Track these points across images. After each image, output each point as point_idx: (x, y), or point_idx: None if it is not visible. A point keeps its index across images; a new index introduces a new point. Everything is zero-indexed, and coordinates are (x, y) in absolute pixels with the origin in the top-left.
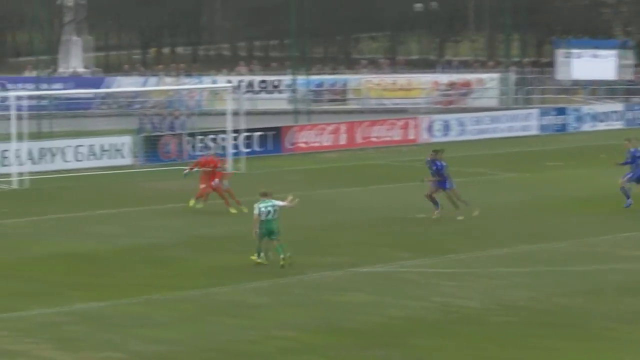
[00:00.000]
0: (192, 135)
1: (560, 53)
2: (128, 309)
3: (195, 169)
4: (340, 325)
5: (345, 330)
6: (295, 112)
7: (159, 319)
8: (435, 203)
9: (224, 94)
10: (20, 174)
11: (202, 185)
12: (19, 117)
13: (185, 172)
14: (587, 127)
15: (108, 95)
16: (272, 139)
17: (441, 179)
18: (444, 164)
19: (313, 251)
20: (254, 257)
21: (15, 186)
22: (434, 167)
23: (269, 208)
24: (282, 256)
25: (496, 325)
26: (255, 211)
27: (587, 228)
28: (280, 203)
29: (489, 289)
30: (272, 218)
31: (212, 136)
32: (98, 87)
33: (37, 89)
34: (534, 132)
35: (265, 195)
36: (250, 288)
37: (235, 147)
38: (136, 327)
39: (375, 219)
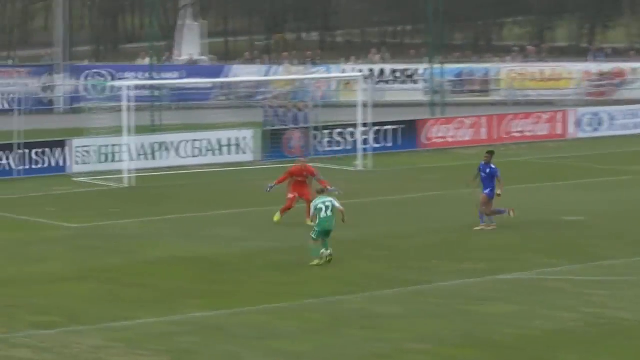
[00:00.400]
0: (318, 129)
1: None
2: (249, 318)
3: (277, 184)
4: (480, 338)
5: (486, 344)
6: (431, 104)
7: (283, 329)
8: (499, 212)
9: (353, 84)
10: (131, 171)
11: (290, 195)
12: (131, 109)
13: (270, 187)
14: None
15: (227, 85)
16: (405, 133)
17: (490, 186)
18: (497, 168)
19: (449, 256)
20: (317, 262)
21: (125, 184)
22: (487, 171)
23: (328, 203)
24: (328, 251)
25: None
26: (312, 209)
27: None
28: (337, 203)
29: (634, 298)
30: (329, 215)
31: (339, 130)
32: (216, 77)
33: (150, 78)
34: None
35: (321, 192)
36: (381, 296)
37: (365, 142)
38: (257, 339)
39: (518, 221)
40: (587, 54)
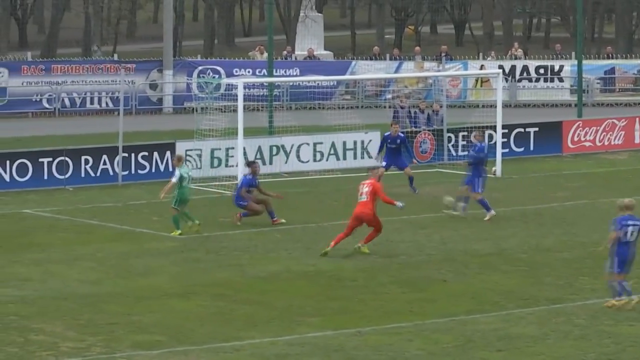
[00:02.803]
0: (453, 131)
1: None
2: (372, 339)
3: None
4: None
5: None
6: (580, 104)
7: (410, 352)
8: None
9: (492, 81)
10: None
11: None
12: (246, 109)
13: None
14: None
15: (353, 82)
16: (549, 136)
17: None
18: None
19: (595, 272)
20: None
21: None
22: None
23: (191, 173)
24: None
25: None
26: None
27: None
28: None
29: None
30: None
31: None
32: (341, 73)
33: (253, 75)
34: None
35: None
36: (518, 316)
37: (505, 146)
38: None
39: None
40: None
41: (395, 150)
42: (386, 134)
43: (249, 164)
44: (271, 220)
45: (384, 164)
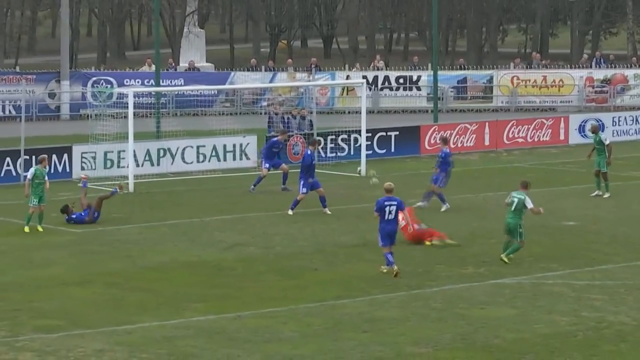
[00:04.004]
0: (322, 135)
1: None
2: (250, 322)
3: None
4: (481, 342)
5: (487, 348)
6: (435, 111)
7: (284, 333)
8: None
9: (357, 90)
10: (136, 177)
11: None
12: (136, 116)
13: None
14: None
15: (232, 91)
16: (408, 139)
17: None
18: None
19: (452, 261)
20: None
21: (129, 190)
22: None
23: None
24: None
25: None
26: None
27: None
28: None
29: (633, 303)
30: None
31: (344, 136)
32: (222, 83)
33: (142, 85)
34: None
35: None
36: (383, 300)
37: (369, 148)
38: (258, 343)
39: None
40: (589, 60)
41: (275, 153)
42: (274, 139)
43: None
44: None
45: (267, 165)
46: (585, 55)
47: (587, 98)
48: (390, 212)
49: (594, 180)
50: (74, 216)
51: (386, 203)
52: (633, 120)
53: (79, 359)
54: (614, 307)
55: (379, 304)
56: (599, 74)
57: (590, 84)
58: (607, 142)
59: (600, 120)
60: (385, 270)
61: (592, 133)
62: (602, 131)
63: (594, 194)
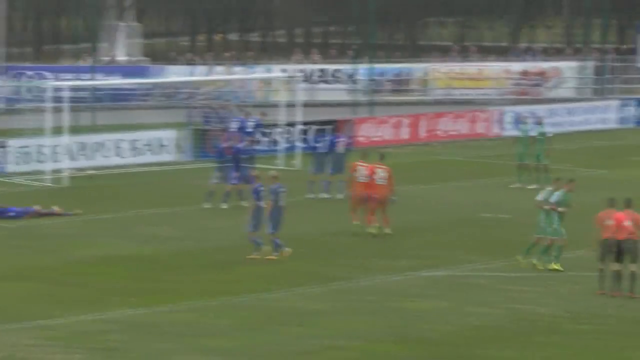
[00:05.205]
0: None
1: None
2: (183, 316)
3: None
4: (412, 335)
5: (418, 340)
6: (355, 104)
7: (216, 326)
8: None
9: (278, 84)
10: (57, 171)
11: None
12: (57, 110)
13: None
14: None
15: (154, 85)
16: (336, 132)
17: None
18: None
19: (383, 254)
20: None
21: (49, 184)
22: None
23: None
24: None
25: (584, 334)
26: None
27: None
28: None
29: (573, 295)
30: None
31: (265, 130)
32: (143, 77)
33: (78, 79)
34: (613, 125)
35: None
36: (315, 294)
37: (290, 141)
38: (190, 336)
39: (452, 219)
40: (512, 53)
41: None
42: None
43: None
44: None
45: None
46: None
47: (521, 91)
48: (280, 199)
49: (517, 171)
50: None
51: (279, 190)
52: (568, 112)
53: (11, 354)
54: (545, 299)
55: (312, 297)
56: (533, 67)
57: (523, 77)
58: (549, 134)
59: (533, 114)
60: (276, 257)
61: (537, 124)
62: (540, 124)
63: (532, 187)
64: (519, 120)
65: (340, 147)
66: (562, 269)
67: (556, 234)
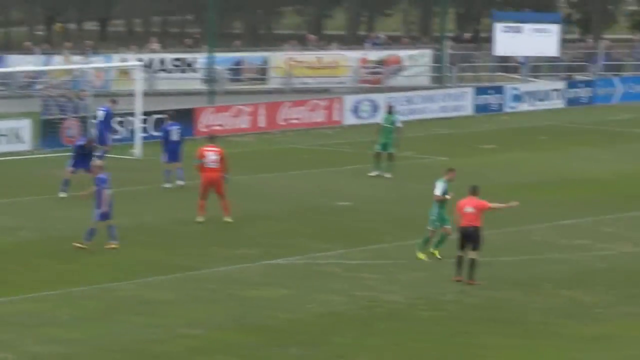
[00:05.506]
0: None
1: (499, 27)
2: (24, 306)
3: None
4: (254, 322)
5: (260, 328)
6: (211, 93)
7: (60, 317)
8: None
9: (133, 73)
10: None
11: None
12: None
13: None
14: (525, 106)
15: (6, 75)
16: (183, 121)
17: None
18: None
19: (225, 243)
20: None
21: None
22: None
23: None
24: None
25: (423, 321)
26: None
27: (522, 215)
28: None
29: (415, 282)
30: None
31: (119, 119)
32: None
33: None
34: (469, 112)
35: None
36: (156, 283)
37: (145, 130)
38: (35, 326)
39: (293, 207)
40: (363, 41)
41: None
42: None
43: None
44: None
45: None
46: (362, 35)
47: (361, 79)
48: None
49: (374, 160)
50: None
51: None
52: (407, 100)
53: None
54: (386, 286)
55: (153, 286)
56: (373, 55)
57: (364, 65)
58: (399, 124)
59: (375, 101)
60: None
61: (388, 113)
62: (392, 113)
63: (374, 174)
64: (389, 109)
65: (174, 135)
66: (439, 257)
67: (445, 222)
